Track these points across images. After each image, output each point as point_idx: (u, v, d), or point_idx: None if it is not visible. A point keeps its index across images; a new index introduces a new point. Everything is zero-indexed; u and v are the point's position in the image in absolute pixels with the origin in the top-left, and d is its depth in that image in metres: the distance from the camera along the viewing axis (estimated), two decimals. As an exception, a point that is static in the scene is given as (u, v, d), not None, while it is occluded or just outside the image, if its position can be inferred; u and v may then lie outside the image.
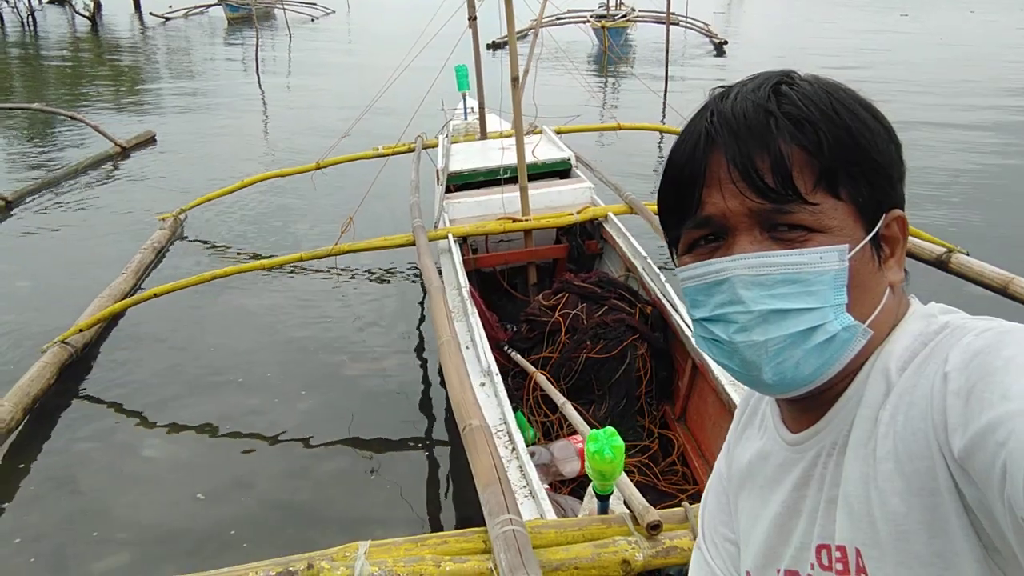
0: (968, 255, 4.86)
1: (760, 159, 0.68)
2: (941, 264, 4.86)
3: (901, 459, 0.64)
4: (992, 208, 7.29)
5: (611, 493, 2.21)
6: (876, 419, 0.68)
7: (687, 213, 0.74)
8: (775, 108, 0.69)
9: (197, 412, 4.26)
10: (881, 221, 0.71)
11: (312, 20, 30.45)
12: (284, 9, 26.18)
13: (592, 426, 3.18)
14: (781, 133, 0.68)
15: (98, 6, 29.49)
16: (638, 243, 4.43)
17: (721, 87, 0.75)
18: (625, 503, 2.22)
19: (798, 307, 0.68)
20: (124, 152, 9.79)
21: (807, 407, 0.76)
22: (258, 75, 16.09)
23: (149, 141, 10.51)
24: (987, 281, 4.64)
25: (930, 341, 0.68)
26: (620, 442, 2.08)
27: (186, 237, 6.90)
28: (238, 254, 6.54)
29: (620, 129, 8.08)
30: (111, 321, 5.13)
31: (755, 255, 0.69)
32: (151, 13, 30.36)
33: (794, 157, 0.68)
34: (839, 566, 0.72)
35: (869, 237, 0.70)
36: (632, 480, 3.21)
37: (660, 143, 9.79)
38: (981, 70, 15.57)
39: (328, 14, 32.04)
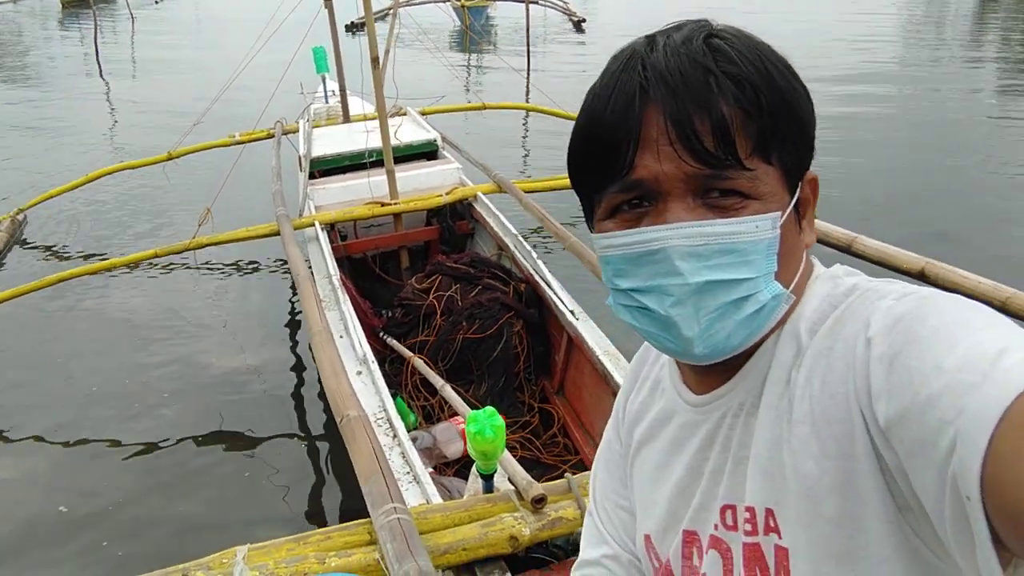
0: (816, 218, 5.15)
1: (700, 121, 0.64)
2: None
3: (818, 422, 0.64)
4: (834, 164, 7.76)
5: (495, 472, 2.21)
6: (788, 380, 0.68)
7: (613, 176, 0.68)
8: (713, 65, 0.64)
9: (51, 425, 3.96)
10: (800, 184, 0.71)
11: (156, 2, 28.76)
12: (123, -10, 24.57)
13: (473, 406, 3.18)
14: (723, 94, 0.64)
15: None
16: (508, 221, 4.44)
17: (647, 36, 0.70)
18: (509, 480, 2.22)
19: (735, 277, 0.66)
20: (-53, 150, 8.95)
21: (712, 369, 0.73)
22: (99, 63, 15.03)
23: (-24, 137, 9.64)
24: (832, 240, 4.93)
25: (840, 303, 0.67)
26: (500, 421, 2.08)
27: (26, 240, 6.38)
28: (86, 255, 6.11)
29: (485, 108, 8.06)
30: (-56, 335, 4.69)
31: (693, 224, 0.65)
32: (-28, -2, 27.86)
33: (736, 120, 0.64)
34: (747, 527, 0.72)
35: (793, 202, 0.69)
36: (516, 455, 3.25)
37: (525, 122, 9.85)
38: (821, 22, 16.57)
39: (174, -5, 30.37)
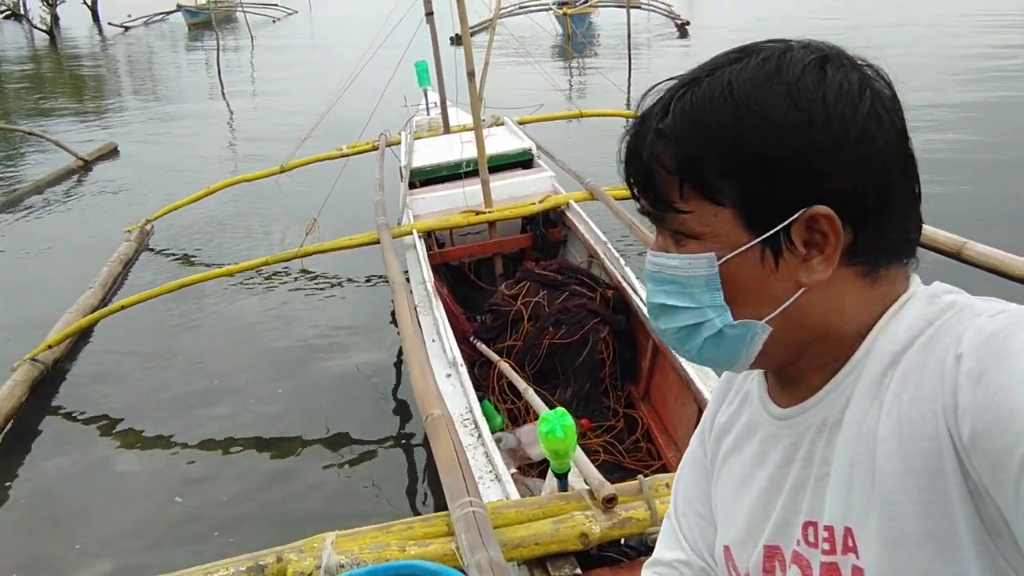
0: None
1: (634, 172, 0.75)
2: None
3: (904, 439, 0.63)
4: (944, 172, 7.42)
5: (568, 471, 2.28)
6: (875, 398, 0.68)
7: None
8: (654, 123, 0.72)
9: (171, 420, 4.29)
10: (786, 221, 0.68)
11: (273, 21, 30.21)
12: (244, 12, 25.96)
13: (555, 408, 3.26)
14: (648, 147, 0.72)
15: (55, 19, 29.12)
16: (599, 229, 4.50)
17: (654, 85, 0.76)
18: (584, 480, 2.30)
19: (677, 304, 0.74)
20: (86, 165, 9.74)
21: (796, 382, 0.76)
22: (220, 81, 15.98)
23: (111, 153, 10.45)
24: (940, 246, 4.72)
25: (936, 319, 0.67)
26: (571, 421, 2.16)
27: (153, 248, 6.90)
28: (206, 262, 6.55)
29: (582, 116, 8.14)
30: (81, 336, 5.14)
31: (652, 253, 0.76)
32: (110, 23, 30.02)
33: (655, 170, 0.72)
34: (825, 545, 0.72)
35: (757, 240, 0.69)
36: (599, 459, 3.32)
37: (626, 128, 9.85)
38: (934, 30, 15.78)
39: (290, 14, 31.81)
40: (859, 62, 0.71)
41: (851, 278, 0.71)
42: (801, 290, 0.70)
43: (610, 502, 2.11)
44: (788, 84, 0.67)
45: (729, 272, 0.71)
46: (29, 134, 10.79)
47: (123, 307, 4.83)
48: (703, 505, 0.94)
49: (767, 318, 0.72)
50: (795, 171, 0.67)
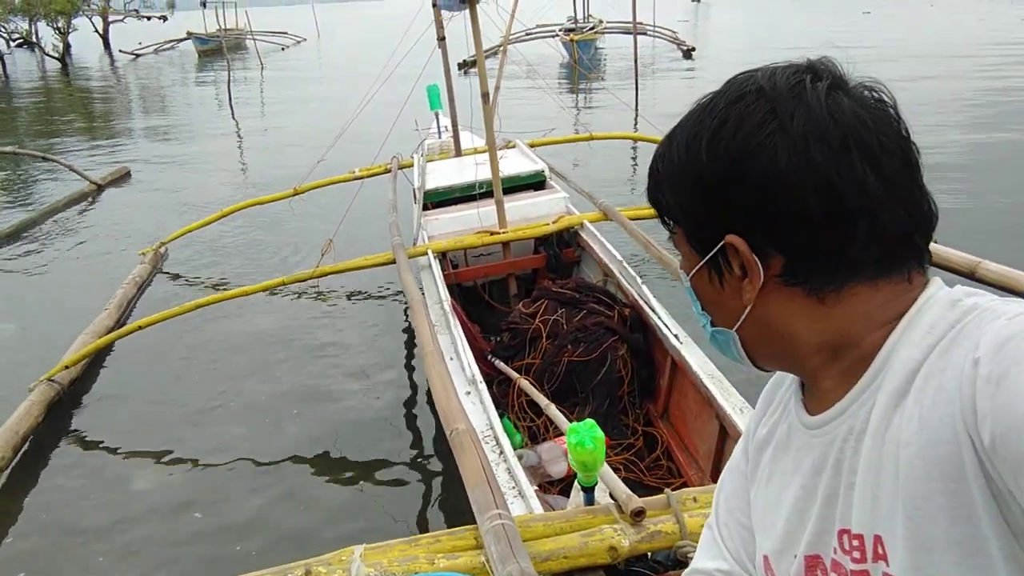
0: (935, 242, 4.97)
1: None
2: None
3: (924, 444, 0.64)
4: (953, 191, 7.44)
5: (595, 485, 2.28)
6: (898, 405, 0.68)
7: None
8: (653, 168, 0.84)
9: (189, 440, 4.29)
10: (713, 251, 0.77)
11: (283, 49, 30.59)
12: (254, 39, 26.30)
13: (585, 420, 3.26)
14: (649, 176, 0.85)
15: (67, 47, 29.52)
16: (614, 248, 4.53)
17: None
18: (610, 495, 2.29)
19: (694, 309, 0.86)
20: (100, 189, 9.84)
21: (821, 392, 0.79)
22: (231, 107, 16.16)
23: (124, 177, 10.55)
24: (953, 266, 4.73)
25: (958, 323, 0.67)
26: (600, 433, 2.16)
27: (167, 271, 6.94)
28: (221, 283, 6.58)
29: (593, 139, 8.20)
30: (97, 357, 5.16)
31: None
32: (120, 50, 30.42)
33: (651, 194, 0.85)
34: (856, 554, 0.73)
35: (702, 263, 0.80)
36: (620, 477, 3.30)
37: (635, 150, 9.93)
38: (936, 58, 15.90)
39: (299, 42, 32.21)
40: (813, 83, 0.72)
41: (796, 297, 0.75)
42: (748, 307, 0.78)
43: (638, 515, 2.11)
44: (696, 134, 0.76)
45: (696, 287, 0.83)
46: (44, 159, 10.90)
47: (140, 327, 4.85)
48: (744, 515, 0.95)
49: (734, 327, 0.81)
50: (708, 208, 0.76)
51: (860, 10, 29.74)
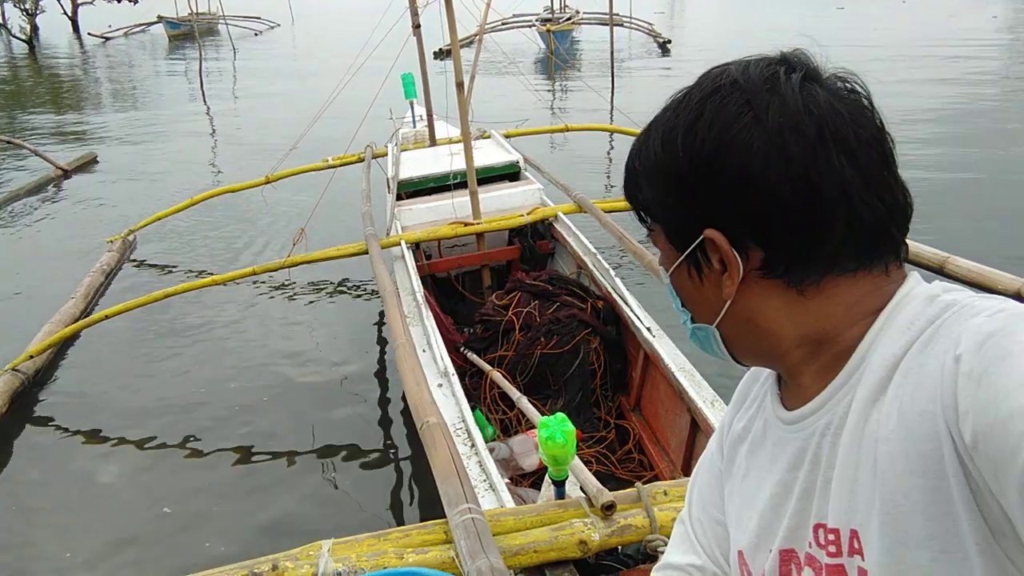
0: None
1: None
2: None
3: (905, 440, 0.64)
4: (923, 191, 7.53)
5: (566, 478, 2.28)
6: (877, 401, 0.68)
7: None
8: (629, 164, 0.84)
9: (155, 430, 4.23)
10: (692, 245, 0.77)
11: (256, 34, 30.16)
12: (227, 24, 25.90)
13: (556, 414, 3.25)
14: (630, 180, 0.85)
15: (35, 28, 28.87)
16: (588, 240, 4.52)
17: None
18: (581, 488, 2.29)
19: (674, 306, 0.86)
20: (66, 175, 9.64)
21: (798, 387, 0.79)
22: (203, 92, 15.90)
23: (91, 163, 10.35)
24: (924, 261, 4.80)
25: (936, 319, 0.67)
26: (571, 427, 2.16)
27: (136, 259, 6.82)
28: (191, 272, 6.49)
29: (568, 131, 8.19)
30: (63, 346, 5.07)
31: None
32: (89, 33, 29.84)
33: (634, 195, 0.83)
34: (831, 548, 0.73)
35: (681, 259, 0.79)
36: (591, 469, 3.29)
37: (611, 142, 9.94)
38: (907, 51, 16.06)
39: (272, 27, 31.78)
40: (783, 77, 0.72)
41: (775, 290, 0.75)
42: (728, 301, 0.77)
43: (609, 509, 2.11)
44: (662, 131, 0.76)
45: (676, 283, 0.83)
46: (9, 143, 10.66)
47: (107, 317, 4.77)
48: (718, 510, 0.95)
49: (715, 323, 0.80)
50: (686, 203, 0.76)
51: (834, 5, 29.99)
